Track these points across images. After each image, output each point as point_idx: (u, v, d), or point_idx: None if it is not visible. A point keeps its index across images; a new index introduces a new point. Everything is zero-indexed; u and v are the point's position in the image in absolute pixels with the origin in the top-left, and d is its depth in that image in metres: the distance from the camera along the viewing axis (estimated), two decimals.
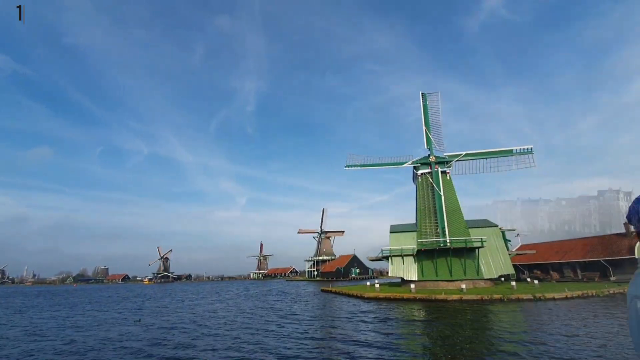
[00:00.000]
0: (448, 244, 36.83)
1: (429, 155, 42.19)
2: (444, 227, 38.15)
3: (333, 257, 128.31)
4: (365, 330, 16.31)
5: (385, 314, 22.35)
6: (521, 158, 39.65)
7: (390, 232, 41.50)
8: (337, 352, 12.43)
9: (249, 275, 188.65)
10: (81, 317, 26.85)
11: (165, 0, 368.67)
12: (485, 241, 36.26)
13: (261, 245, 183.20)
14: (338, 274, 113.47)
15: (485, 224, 40.54)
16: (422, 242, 38.09)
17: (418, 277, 37.59)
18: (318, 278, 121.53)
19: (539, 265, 48.78)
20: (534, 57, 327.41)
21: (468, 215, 40.81)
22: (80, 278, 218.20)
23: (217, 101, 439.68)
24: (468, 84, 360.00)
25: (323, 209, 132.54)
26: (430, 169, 41.43)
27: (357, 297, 36.01)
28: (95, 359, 12.74)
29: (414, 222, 43.20)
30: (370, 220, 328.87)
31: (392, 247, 39.59)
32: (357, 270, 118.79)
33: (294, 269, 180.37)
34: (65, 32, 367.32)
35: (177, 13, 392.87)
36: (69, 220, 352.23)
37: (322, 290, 49.67)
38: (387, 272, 41.91)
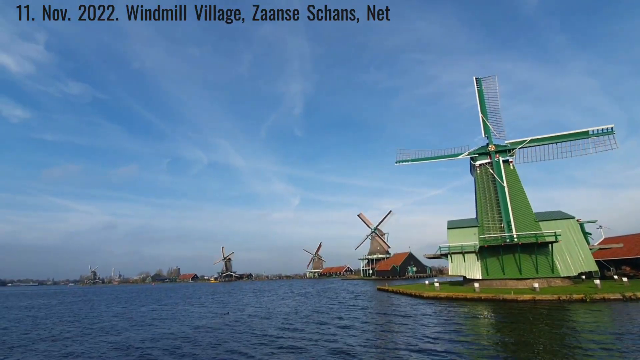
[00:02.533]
0: (515, 240, 33.95)
1: (487, 144, 39.38)
2: (510, 221, 35.24)
3: (388, 255, 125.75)
4: (425, 334, 15.67)
5: (448, 315, 21.30)
6: (599, 139, 35.28)
7: (448, 229, 39.49)
8: (396, 358, 12.12)
9: (305, 274, 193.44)
10: (182, 311, 30.56)
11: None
12: (559, 235, 32.76)
13: (319, 245, 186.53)
14: (394, 272, 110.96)
15: (559, 215, 36.56)
16: (484, 238, 35.64)
17: (482, 275, 35.25)
18: (373, 277, 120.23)
19: (628, 260, 42.68)
20: (606, 23, 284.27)
21: (538, 207, 37.23)
22: (157, 277, 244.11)
23: (265, 107, 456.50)
24: (528, 62, 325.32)
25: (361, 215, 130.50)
26: (490, 158, 38.62)
27: (415, 296, 34.90)
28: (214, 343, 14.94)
29: (474, 216, 40.64)
30: (425, 216, 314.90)
31: (451, 244, 37.72)
32: (414, 269, 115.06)
33: (348, 267, 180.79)
34: (132, 58, 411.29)
35: (223, 27, 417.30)
36: (146, 225, 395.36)
37: (379, 289, 49.01)
38: (447, 271, 39.91)
